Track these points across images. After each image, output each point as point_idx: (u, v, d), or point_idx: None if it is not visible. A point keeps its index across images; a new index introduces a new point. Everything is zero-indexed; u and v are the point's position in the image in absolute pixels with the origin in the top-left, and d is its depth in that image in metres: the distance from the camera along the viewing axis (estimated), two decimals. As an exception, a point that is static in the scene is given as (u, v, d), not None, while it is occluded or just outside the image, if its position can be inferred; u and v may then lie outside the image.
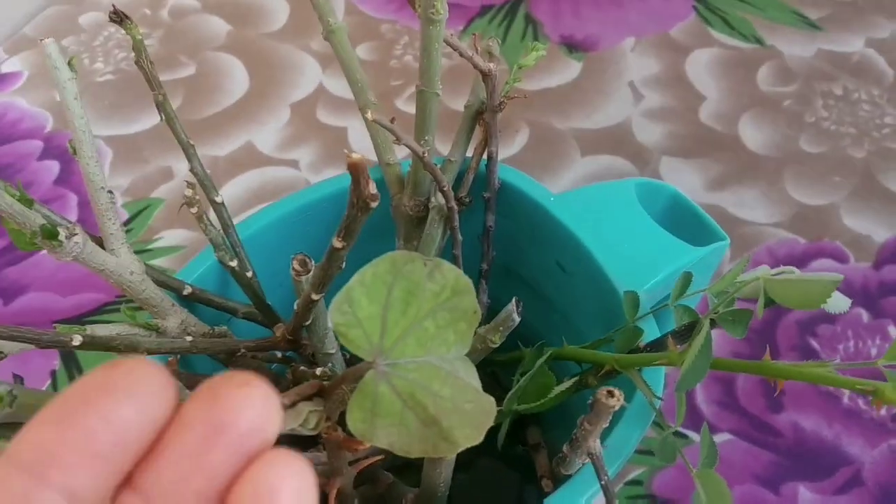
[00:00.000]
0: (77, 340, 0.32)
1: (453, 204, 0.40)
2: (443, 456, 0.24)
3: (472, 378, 0.27)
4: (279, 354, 0.40)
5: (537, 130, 0.72)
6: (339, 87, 0.76)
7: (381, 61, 0.78)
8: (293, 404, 0.26)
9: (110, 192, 0.37)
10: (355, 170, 0.27)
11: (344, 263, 0.33)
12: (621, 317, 0.40)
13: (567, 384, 0.35)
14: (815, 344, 0.59)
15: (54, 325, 0.52)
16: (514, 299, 0.34)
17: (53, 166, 0.71)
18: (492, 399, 0.26)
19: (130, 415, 0.18)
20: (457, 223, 0.41)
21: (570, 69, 0.77)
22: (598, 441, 0.29)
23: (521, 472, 0.52)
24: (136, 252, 0.39)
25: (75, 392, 0.18)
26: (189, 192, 0.36)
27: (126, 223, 0.67)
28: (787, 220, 0.65)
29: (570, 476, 0.35)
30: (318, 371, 0.37)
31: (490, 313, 0.47)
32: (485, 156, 0.44)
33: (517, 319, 0.35)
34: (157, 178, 0.70)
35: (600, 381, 0.38)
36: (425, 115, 0.39)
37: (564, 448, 0.32)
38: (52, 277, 0.65)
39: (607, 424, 0.28)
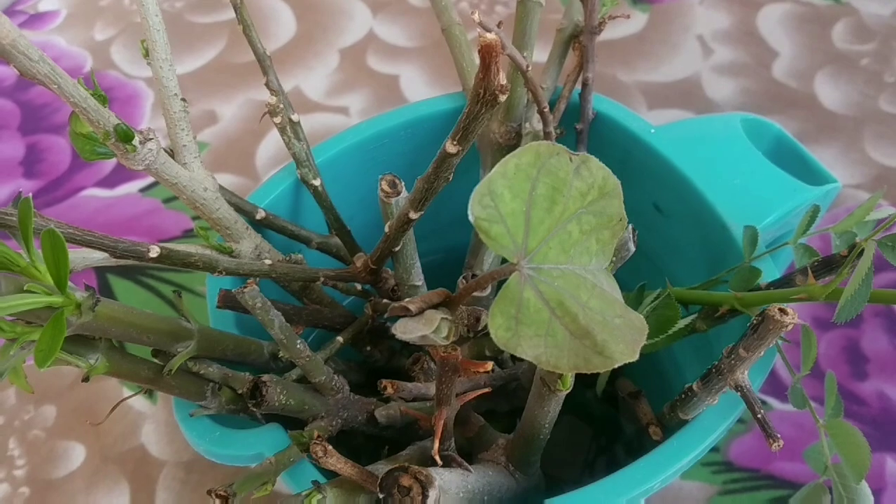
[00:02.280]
0: (154, 252, 0.29)
1: (552, 129, 0.37)
2: (596, 371, 0.21)
3: (616, 291, 0.24)
4: (358, 287, 0.37)
5: (602, 83, 0.68)
6: (390, 33, 0.73)
7: (436, 9, 0.75)
8: (420, 311, 0.22)
9: (184, 99, 0.34)
10: (488, 53, 0.24)
11: (452, 174, 0.29)
12: (730, 258, 0.37)
13: (686, 321, 0.31)
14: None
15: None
16: (630, 226, 0.31)
17: (94, 107, 0.68)
18: (641, 316, 0.23)
19: None
20: (554, 150, 0.37)
21: (635, 20, 0.73)
22: (746, 373, 0.26)
23: (594, 426, 0.49)
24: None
25: None
26: (273, 100, 0.33)
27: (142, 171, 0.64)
28: (867, 182, 0.61)
29: (686, 421, 0.32)
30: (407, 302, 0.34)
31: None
32: (578, 85, 0.41)
33: (633, 249, 0.32)
34: (201, 121, 0.67)
35: (711, 325, 0.35)
36: (525, 28, 0.36)
37: (694, 386, 0.28)
38: (91, 221, 0.62)
39: (762, 354, 0.25)
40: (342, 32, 0.73)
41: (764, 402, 0.53)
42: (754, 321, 0.23)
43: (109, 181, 0.63)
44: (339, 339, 0.35)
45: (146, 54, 0.33)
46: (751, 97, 0.67)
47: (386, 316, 0.35)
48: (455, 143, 0.27)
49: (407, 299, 0.22)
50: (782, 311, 0.23)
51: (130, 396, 0.34)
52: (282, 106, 0.33)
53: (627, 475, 0.29)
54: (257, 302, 0.28)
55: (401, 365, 0.41)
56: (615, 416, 0.48)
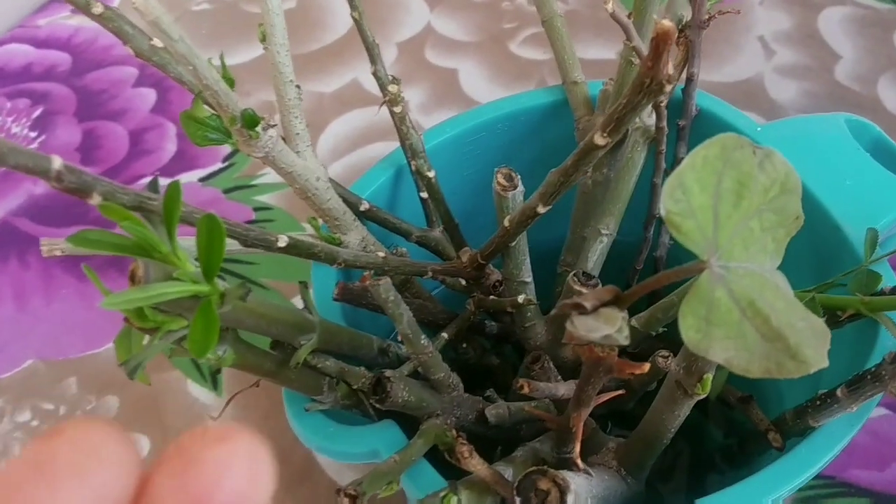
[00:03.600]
0: (283, 242, 0.28)
1: (664, 124, 0.36)
2: (789, 377, 0.20)
3: (792, 295, 0.23)
4: (462, 282, 0.36)
5: (663, 81, 0.67)
6: (448, 27, 0.72)
7: (493, 3, 0.74)
8: (594, 309, 0.22)
9: (298, 86, 0.33)
10: (662, 40, 0.23)
11: (591, 168, 0.29)
12: (843, 261, 0.36)
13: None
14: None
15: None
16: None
17: (149, 94, 0.67)
18: (821, 321, 0.22)
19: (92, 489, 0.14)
20: (664, 147, 0.36)
21: (696, 20, 0.72)
22: (908, 381, 0.25)
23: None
24: (241, 188, 0.35)
25: (30, 460, 0.14)
26: (394, 89, 0.32)
27: (227, 157, 0.63)
28: (936, 188, 0.61)
29: (811, 428, 0.31)
30: (521, 299, 0.33)
31: (671, 262, 0.43)
32: (681, 81, 0.40)
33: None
34: (260, 111, 0.66)
35: (831, 328, 0.34)
36: (643, 20, 0.35)
37: (838, 392, 0.28)
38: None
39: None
40: (400, 26, 0.72)
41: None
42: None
43: (168, 170, 0.62)
44: (444, 335, 0.34)
45: (263, 38, 0.32)
46: (814, 99, 0.66)
47: (554, 313, 0.34)
48: (605, 134, 0.26)
49: (580, 296, 0.22)
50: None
51: (234, 395, 0.34)
52: (402, 95, 0.33)
53: (771, 475, 0.28)
54: (390, 295, 0.27)
55: (491, 362, 0.40)
56: (699, 420, 0.47)
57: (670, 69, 0.24)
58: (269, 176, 0.62)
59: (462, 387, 0.32)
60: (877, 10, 0.73)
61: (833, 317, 0.33)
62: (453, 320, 0.36)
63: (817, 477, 0.50)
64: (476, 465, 0.26)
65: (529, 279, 0.35)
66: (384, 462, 0.29)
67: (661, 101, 0.34)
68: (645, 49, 0.33)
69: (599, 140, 0.27)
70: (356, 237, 0.34)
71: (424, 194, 0.37)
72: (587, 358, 0.25)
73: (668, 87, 0.23)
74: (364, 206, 0.35)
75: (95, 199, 0.24)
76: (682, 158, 0.40)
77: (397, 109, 0.33)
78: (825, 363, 0.21)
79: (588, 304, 0.22)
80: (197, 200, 0.60)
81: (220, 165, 0.62)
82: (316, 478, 0.48)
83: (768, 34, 0.71)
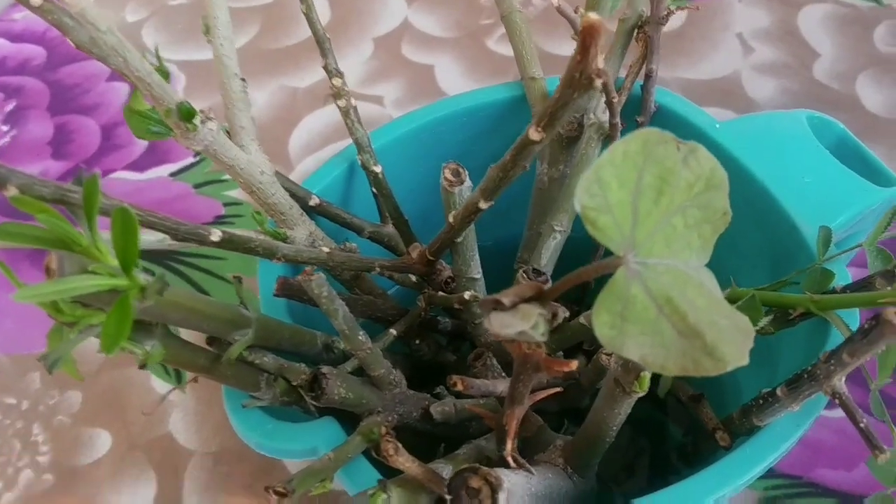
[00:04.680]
0: (216, 236, 0.28)
1: (617, 120, 0.35)
2: (705, 374, 0.20)
3: (719, 292, 0.23)
4: (413, 278, 0.36)
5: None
6: (425, 23, 0.72)
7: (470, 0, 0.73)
8: (513, 305, 0.21)
9: (243, 79, 0.33)
10: (589, 34, 0.22)
11: (529, 163, 0.28)
12: (798, 259, 0.36)
13: (761, 322, 0.30)
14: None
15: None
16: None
17: (122, 88, 0.67)
18: (746, 319, 0.22)
19: None
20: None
21: (674, 16, 0.71)
22: (843, 379, 0.25)
23: (635, 429, 0.48)
24: (212, 183, 0.35)
25: None
26: (338, 82, 0.32)
27: (199, 153, 0.62)
28: (912, 187, 0.60)
29: (757, 427, 0.30)
30: (468, 295, 0.33)
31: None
32: (640, 77, 0.39)
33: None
34: (232, 106, 0.65)
35: (778, 328, 0.34)
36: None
37: (778, 391, 0.27)
38: (118, 204, 0.61)
39: (871, 356, 0.23)
40: (377, 20, 0.72)
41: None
42: (865, 325, 0.22)
43: (139, 164, 0.62)
44: (393, 331, 0.34)
45: (206, 31, 0.32)
46: (792, 97, 0.66)
47: (479, 309, 0.33)
48: (540, 129, 0.26)
49: (501, 292, 0.21)
50: (898, 315, 0.21)
51: (172, 390, 0.33)
52: (347, 88, 0.32)
53: (712, 475, 0.28)
54: (323, 291, 0.27)
55: (446, 360, 0.40)
56: (659, 419, 0.46)
57: (599, 63, 0.23)
58: (241, 171, 0.61)
59: (405, 383, 0.31)
60: (857, 8, 0.72)
61: (784, 315, 0.33)
62: (404, 317, 0.35)
63: (784, 477, 0.50)
64: (404, 462, 0.25)
65: (479, 275, 0.35)
66: (318, 459, 0.28)
67: (613, 98, 0.34)
68: (593, 43, 0.33)
69: (534, 135, 0.26)
70: (303, 232, 0.34)
71: (377, 168, 0.36)
72: (515, 355, 0.25)
73: (599, 82, 0.23)
74: (314, 201, 0.35)
75: (11, 192, 0.24)
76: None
77: (341, 103, 0.33)
78: (744, 361, 0.20)
79: (506, 300, 0.22)
80: (167, 195, 0.60)
81: (191, 160, 0.62)
82: (277, 474, 0.48)
83: (747, 31, 0.70)
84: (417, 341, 0.37)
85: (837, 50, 0.69)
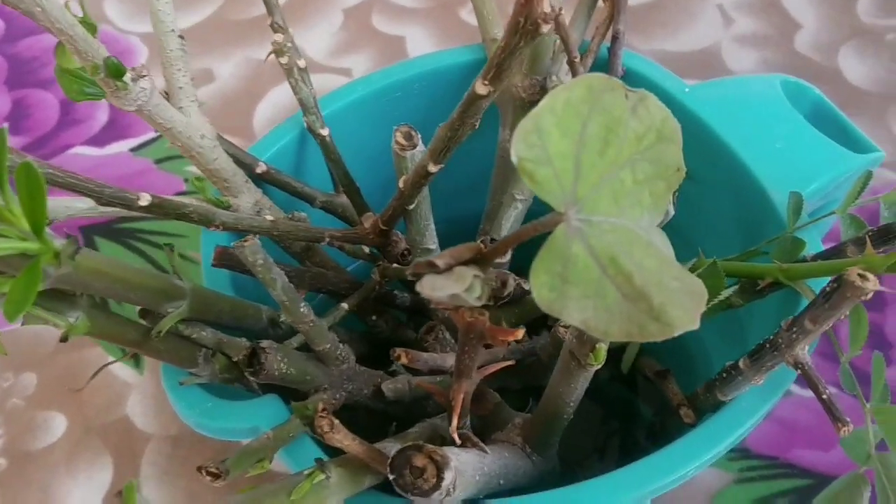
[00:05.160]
0: (145, 200, 0.26)
1: (581, 83, 0.33)
2: (652, 339, 0.18)
3: (671, 253, 0.21)
4: (366, 250, 0.34)
5: (617, 50, 0.65)
6: (397, -7, 0.69)
7: (444, -31, 0.71)
8: (449, 268, 0.20)
9: (181, 36, 0.31)
10: (531, -25, 0.21)
11: (479, 122, 0.26)
12: (769, 228, 0.34)
13: (727, 292, 0.28)
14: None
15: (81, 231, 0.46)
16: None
17: (82, 61, 0.65)
18: (699, 280, 0.20)
19: None
20: (582, 107, 0.34)
21: (653, -13, 0.70)
22: (807, 348, 0.23)
23: (605, 405, 0.46)
24: (173, 158, 0.33)
25: None
26: (280, 38, 0.30)
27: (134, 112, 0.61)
28: (893, 161, 0.59)
29: (722, 403, 0.29)
30: (420, 266, 0.31)
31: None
32: (607, 38, 0.38)
33: (672, 213, 0.29)
34: (197, 80, 0.63)
35: (747, 299, 0.32)
36: (557, -28, 0.33)
37: (741, 363, 0.26)
38: (79, 181, 0.59)
39: (833, 322, 0.22)
40: (346, -9, 0.70)
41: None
42: (828, 288, 0.21)
43: (99, 139, 0.60)
44: (344, 305, 0.32)
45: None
46: (773, 69, 0.64)
47: (409, 273, 0.32)
48: (486, 82, 0.24)
49: (436, 255, 0.20)
50: (861, 276, 0.20)
51: (113, 362, 0.32)
52: (289, 45, 0.30)
53: (656, 462, 0.26)
54: (258, 258, 0.25)
55: (406, 337, 0.38)
56: (629, 398, 0.45)
57: (545, 6, 0.22)
58: (204, 146, 0.59)
59: (353, 359, 0.30)
60: (840, -21, 0.71)
61: (753, 286, 0.31)
62: (357, 290, 0.34)
63: (759, 457, 0.49)
64: (342, 440, 0.24)
65: (434, 246, 0.33)
66: (256, 439, 0.26)
67: (575, 57, 0.32)
68: (553, 3, 0.31)
69: (481, 89, 0.24)
70: (248, 200, 0.32)
71: (324, 131, 0.35)
72: (459, 323, 0.23)
73: (546, 28, 0.21)
74: (261, 169, 0.33)
75: None
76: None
77: (283, 60, 0.31)
78: (694, 325, 0.19)
79: (441, 263, 0.20)
80: (127, 171, 0.58)
81: (152, 135, 0.60)
82: (237, 457, 0.46)
83: (727, 1, 0.69)
84: (374, 317, 0.36)
85: (820, 21, 0.67)
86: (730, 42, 0.66)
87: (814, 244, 0.32)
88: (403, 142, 0.30)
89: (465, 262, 0.21)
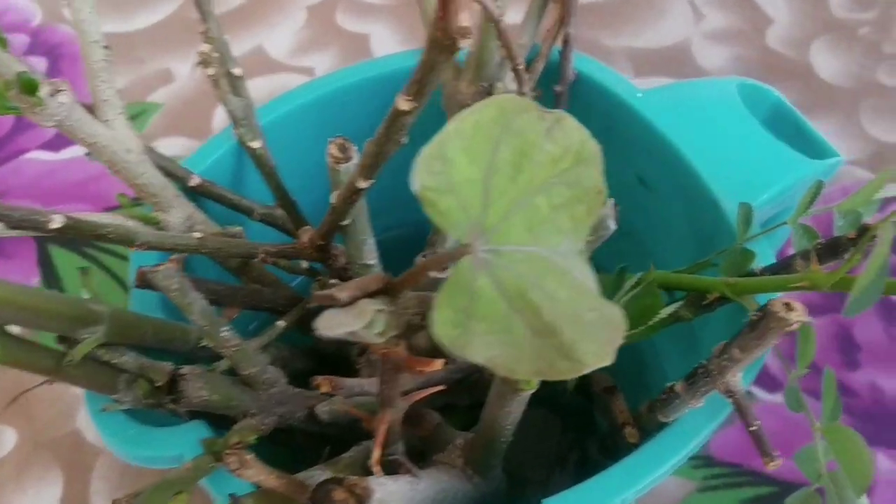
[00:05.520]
0: (57, 222, 0.25)
1: (527, 90, 0.32)
2: (562, 377, 0.17)
3: (590, 280, 0.20)
4: (305, 265, 0.33)
5: (586, 48, 0.64)
6: (362, -10, 0.68)
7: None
8: (352, 301, 0.18)
9: (107, 47, 0.30)
10: (445, -13, 0.20)
11: (406, 137, 0.25)
12: (721, 239, 0.33)
13: (668, 309, 0.27)
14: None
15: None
16: (610, 201, 0.27)
17: (40, 64, 0.63)
18: (618, 310, 0.19)
19: None
20: (528, 115, 0.33)
21: (623, -18, 0.69)
22: (740, 376, 0.22)
23: (564, 419, 0.45)
24: None
25: None
26: (206, 48, 0.28)
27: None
28: (865, 158, 0.58)
29: (665, 423, 0.28)
30: (356, 283, 0.30)
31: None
32: (558, 42, 0.36)
33: (612, 227, 0.28)
34: (155, 80, 0.62)
35: (696, 313, 0.31)
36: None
37: (677, 387, 0.25)
38: (33, 186, 0.57)
39: (765, 352, 0.21)
40: (310, -12, 0.68)
41: (749, 394, 0.49)
42: (753, 318, 0.20)
43: (54, 144, 0.58)
44: (280, 323, 0.31)
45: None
46: (743, 66, 0.63)
47: (311, 305, 0.31)
48: (409, 98, 0.23)
49: (336, 287, 0.18)
50: (787, 305, 0.19)
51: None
52: (217, 55, 0.29)
53: (597, 486, 0.25)
54: (172, 283, 0.24)
55: (352, 353, 0.37)
56: (588, 409, 0.44)
57: (463, 21, 0.20)
58: (162, 149, 0.58)
59: (284, 381, 0.29)
60: (813, -28, 0.69)
61: (701, 298, 0.30)
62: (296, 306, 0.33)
63: (723, 465, 0.48)
64: (255, 475, 0.23)
65: (374, 262, 0.32)
66: (175, 469, 0.25)
67: (519, 65, 0.31)
68: (490, 4, 0.30)
69: (404, 105, 0.23)
70: (179, 216, 0.31)
71: (256, 144, 0.33)
72: (377, 354, 0.22)
73: (464, 43, 0.20)
74: (194, 182, 0.32)
75: None
76: (560, 127, 0.37)
77: (210, 71, 0.29)
78: (606, 361, 0.18)
79: (343, 296, 0.19)
80: (83, 176, 0.57)
81: (108, 138, 0.58)
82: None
83: (698, -3, 0.67)
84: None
85: (792, 16, 0.66)
86: (700, 38, 0.65)
87: (765, 256, 0.31)
88: (338, 154, 0.29)
89: (373, 294, 0.20)
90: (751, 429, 0.22)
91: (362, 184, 0.27)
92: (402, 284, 0.19)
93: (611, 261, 0.39)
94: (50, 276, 0.53)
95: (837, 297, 0.53)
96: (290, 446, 0.32)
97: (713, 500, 0.46)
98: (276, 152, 0.35)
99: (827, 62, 0.63)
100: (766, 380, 0.50)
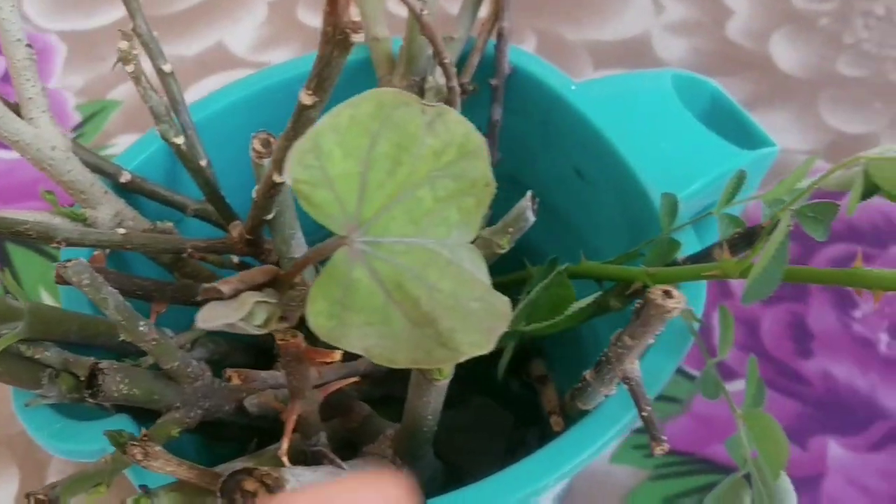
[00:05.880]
0: (-31, 219, 0.25)
1: (455, 83, 0.33)
2: (439, 366, 0.17)
3: (480, 270, 0.20)
4: (235, 260, 0.33)
5: (546, 41, 0.64)
6: (324, -14, 0.68)
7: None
8: (235, 293, 0.19)
9: (29, 45, 0.30)
10: (331, -16, 0.20)
11: (313, 131, 0.26)
12: (652, 229, 0.33)
13: (587, 300, 0.28)
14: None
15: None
16: (528, 193, 0.27)
17: (0, 61, 0.63)
18: (505, 299, 0.19)
19: None
20: (458, 108, 0.33)
21: (584, -25, 0.69)
22: (636, 363, 0.22)
23: (517, 412, 0.46)
24: None
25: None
26: (125, 45, 0.29)
27: (78, 126, 0.59)
28: (822, 148, 0.58)
29: (587, 411, 0.28)
30: (283, 277, 0.30)
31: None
32: (493, 36, 0.37)
33: (531, 219, 0.28)
34: (116, 78, 0.62)
35: (625, 303, 0.31)
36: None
37: (587, 375, 0.25)
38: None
39: (653, 341, 0.21)
40: (272, -17, 0.68)
41: (694, 378, 0.50)
42: (637, 306, 0.20)
43: (11, 141, 0.58)
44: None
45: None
46: (703, 58, 0.63)
47: (199, 298, 0.31)
48: (311, 92, 0.23)
49: (222, 280, 0.19)
50: (666, 293, 0.19)
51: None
52: (136, 52, 0.29)
53: (514, 475, 0.26)
54: (84, 279, 0.24)
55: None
56: (533, 399, 0.44)
57: (352, 16, 0.21)
58: (121, 146, 0.58)
59: (209, 375, 0.29)
60: (775, -37, 0.70)
61: (625, 288, 0.30)
62: (230, 301, 0.33)
63: (674, 453, 0.48)
64: (163, 466, 0.23)
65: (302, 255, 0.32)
66: (93, 462, 0.26)
67: (445, 58, 0.31)
68: (413, 1, 0.30)
69: (306, 99, 0.24)
70: (108, 212, 0.31)
71: (203, 161, 0.34)
72: (278, 345, 0.22)
73: (356, 37, 0.20)
74: (125, 178, 0.32)
75: None
76: (497, 121, 0.37)
77: (129, 69, 0.30)
78: (485, 349, 0.18)
79: (226, 289, 0.19)
80: (40, 174, 0.57)
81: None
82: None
83: (659, -11, 0.68)
84: (255, 326, 0.35)
85: (752, 7, 0.67)
86: (660, 30, 0.65)
87: (691, 245, 0.31)
88: (261, 149, 0.29)
89: (261, 286, 0.20)
90: (643, 413, 0.22)
91: (278, 178, 0.27)
92: (289, 276, 0.19)
93: (554, 251, 0.39)
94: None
95: (789, 286, 0.54)
96: (220, 438, 0.33)
97: (665, 488, 0.46)
98: (214, 148, 0.35)
99: (786, 53, 0.64)
100: (723, 369, 0.50)
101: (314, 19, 0.66)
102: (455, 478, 0.36)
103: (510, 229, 0.28)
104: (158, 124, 0.31)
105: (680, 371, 0.50)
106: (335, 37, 0.21)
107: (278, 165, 0.26)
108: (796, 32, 0.65)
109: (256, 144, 0.29)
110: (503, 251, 0.28)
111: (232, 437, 0.33)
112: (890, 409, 0.48)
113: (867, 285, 0.22)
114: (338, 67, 0.22)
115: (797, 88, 0.62)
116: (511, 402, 0.46)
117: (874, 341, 0.51)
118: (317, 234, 0.29)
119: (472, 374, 0.41)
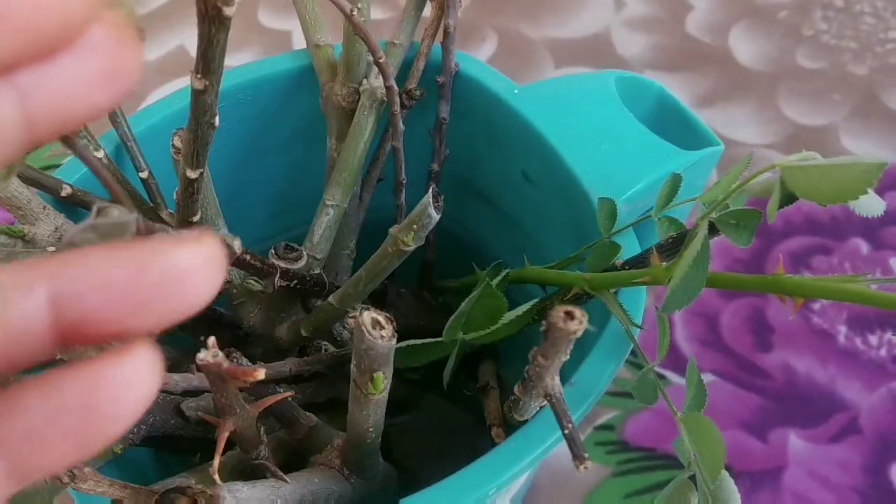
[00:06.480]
0: None
1: (392, 83, 0.33)
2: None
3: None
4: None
5: (506, 39, 0.64)
6: (285, -13, 0.68)
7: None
8: None
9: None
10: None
11: (217, 118, 0.26)
12: (596, 233, 0.33)
13: (524, 308, 0.28)
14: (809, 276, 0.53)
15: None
16: (430, 189, 0.27)
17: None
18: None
19: None
20: (397, 108, 0.33)
21: (545, -28, 0.69)
22: (556, 379, 0.23)
23: (479, 412, 0.46)
24: (45, 168, 0.32)
25: None
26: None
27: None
28: (781, 141, 0.58)
29: (524, 422, 0.28)
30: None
31: (445, 238, 0.40)
32: (438, 38, 0.37)
33: (435, 216, 0.28)
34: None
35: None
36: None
37: (516, 389, 0.25)
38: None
39: (567, 357, 0.21)
40: (231, -14, 0.68)
41: (662, 377, 0.50)
42: (542, 328, 0.20)
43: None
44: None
45: None
46: (663, 54, 0.63)
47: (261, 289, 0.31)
48: (200, 76, 0.23)
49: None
50: (568, 314, 0.19)
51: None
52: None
53: (448, 487, 0.26)
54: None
55: (253, 355, 0.37)
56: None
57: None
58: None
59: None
60: (734, -43, 0.70)
61: (565, 294, 0.31)
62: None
63: (636, 449, 0.48)
64: (94, 487, 0.23)
65: (239, 251, 0.32)
66: (33, 483, 0.26)
67: (380, 58, 0.31)
68: (343, 2, 0.30)
69: (197, 84, 0.24)
70: (47, 228, 0.31)
71: (144, 174, 0.33)
72: (201, 365, 0.22)
73: (228, 10, 0.20)
74: (66, 191, 0.32)
75: None
76: (445, 119, 0.37)
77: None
78: None
79: None
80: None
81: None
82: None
83: (620, -15, 0.68)
84: (203, 338, 0.35)
85: (712, 2, 0.67)
86: (620, 27, 0.65)
87: (633, 248, 0.32)
88: (180, 146, 0.29)
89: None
90: (564, 431, 0.23)
91: (192, 173, 0.27)
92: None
93: (507, 255, 0.39)
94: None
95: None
96: (175, 451, 0.33)
97: (627, 485, 0.46)
98: (156, 160, 0.35)
99: (746, 47, 0.64)
100: (680, 363, 0.50)
101: (275, 21, 0.66)
102: (415, 483, 0.36)
103: (415, 226, 0.28)
104: (80, 138, 0.31)
105: (640, 368, 0.50)
106: (209, 14, 0.21)
107: (189, 160, 0.26)
108: (756, 26, 0.65)
109: (176, 141, 0.29)
110: (409, 248, 0.28)
111: (184, 449, 0.33)
112: (849, 401, 0.49)
113: (788, 292, 0.23)
114: (221, 47, 0.22)
115: (756, 82, 0.62)
116: (472, 402, 0.46)
117: (833, 333, 0.51)
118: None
119: (428, 379, 0.41)
